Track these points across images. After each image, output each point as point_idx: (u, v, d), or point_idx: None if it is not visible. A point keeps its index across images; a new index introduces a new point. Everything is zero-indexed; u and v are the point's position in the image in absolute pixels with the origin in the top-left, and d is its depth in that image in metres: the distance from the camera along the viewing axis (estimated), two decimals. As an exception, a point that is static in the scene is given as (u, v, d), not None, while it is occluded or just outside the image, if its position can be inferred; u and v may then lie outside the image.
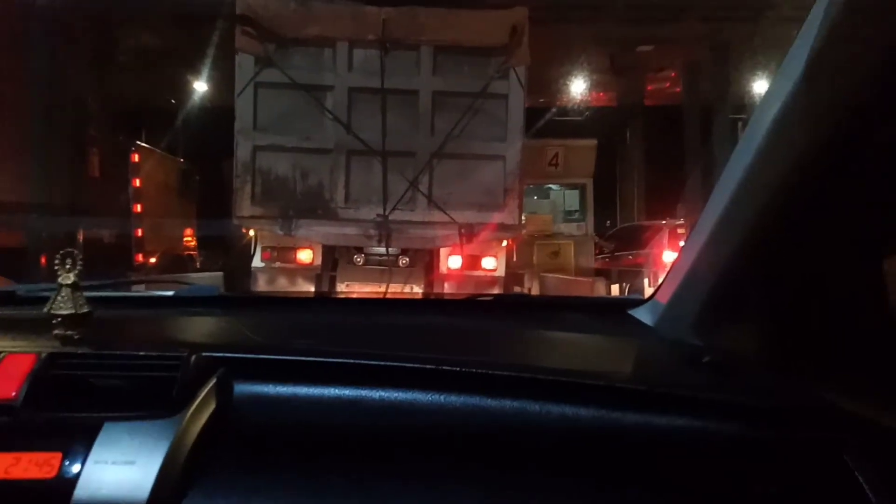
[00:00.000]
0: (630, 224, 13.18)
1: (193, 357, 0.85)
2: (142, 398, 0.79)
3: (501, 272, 6.22)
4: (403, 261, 6.15)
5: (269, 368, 0.89)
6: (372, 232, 5.89)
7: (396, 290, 6.09)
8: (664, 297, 1.16)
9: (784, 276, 0.92)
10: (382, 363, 0.90)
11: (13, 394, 0.77)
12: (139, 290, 2.09)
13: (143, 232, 9.74)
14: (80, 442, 0.73)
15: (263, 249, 6.16)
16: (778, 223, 0.86)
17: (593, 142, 10.18)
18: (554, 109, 12.90)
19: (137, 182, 9.85)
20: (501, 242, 6.24)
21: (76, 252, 0.92)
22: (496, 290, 6.17)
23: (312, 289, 6.21)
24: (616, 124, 14.66)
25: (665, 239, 9.78)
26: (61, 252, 0.92)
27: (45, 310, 0.90)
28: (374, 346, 1.02)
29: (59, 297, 0.90)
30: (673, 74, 13.57)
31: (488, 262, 6.17)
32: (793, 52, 0.75)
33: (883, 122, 0.74)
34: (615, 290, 6.36)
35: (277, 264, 6.18)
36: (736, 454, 0.83)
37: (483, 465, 0.81)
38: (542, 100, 13.63)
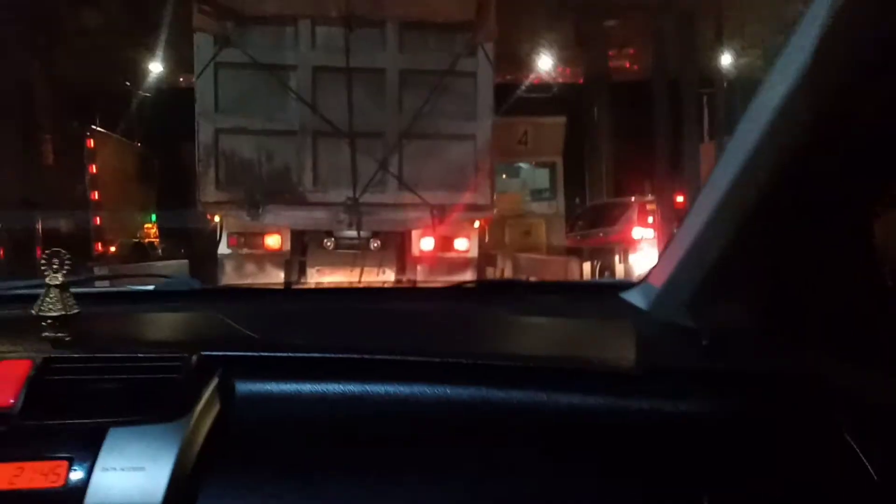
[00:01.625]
0: (599, 202, 13.25)
1: (194, 358, 0.84)
2: (143, 402, 0.78)
3: (474, 253, 6.18)
4: (375, 244, 6.05)
5: (270, 366, 0.88)
6: (342, 215, 5.77)
7: (369, 273, 6.00)
8: (658, 280, 1.16)
9: (780, 252, 0.93)
10: (387, 357, 0.89)
11: (11, 401, 0.76)
12: (116, 285, 2.03)
13: (101, 220, 9.46)
14: (85, 449, 0.72)
15: (230, 235, 6.01)
16: (776, 204, 0.86)
17: (562, 119, 10.16)
18: (522, 86, 12.83)
19: (94, 168, 9.54)
20: (474, 223, 6.20)
21: (63, 252, 0.90)
22: (469, 271, 6.13)
23: (282, 274, 6.08)
24: (584, 101, 14.66)
25: (634, 215, 9.84)
26: (48, 252, 0.90)
27: (34, 311, 0.89)
28: (372, 338, 1.01)
29: (47, 299, 0.89)
30: (636, 50, 13.59)
31: (461, 244, 6.12)
32: (800, 30, 0.75)
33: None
34: (587, 268, 6.39)
35: (245, 250, 6.04)
36: (742, 431, 0.85)
37: (490, 457, 0.82)
38: (509, 76, 13.53)
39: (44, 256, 0.91)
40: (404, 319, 1.26)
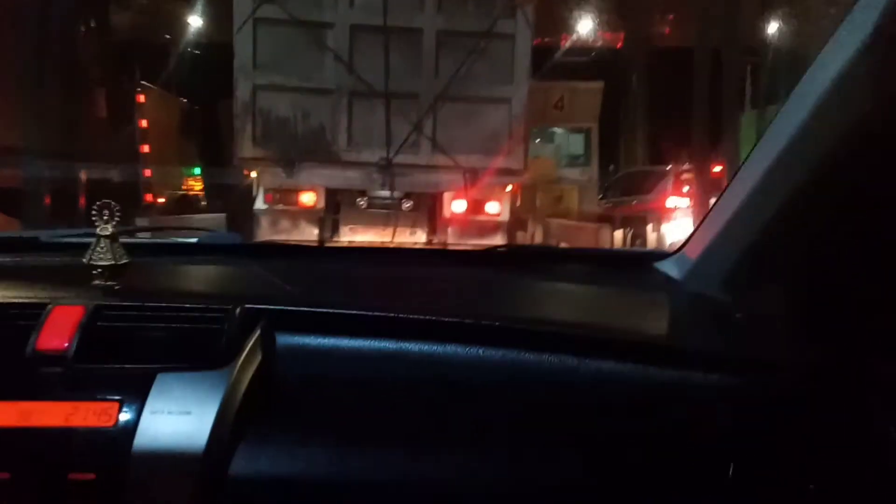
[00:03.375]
0: (634, 169, 13.06)
1: (238, 310, 0.85)
2: (189, 350, 0.80)
3: (505, 217, 6.20)
4: (407, 204, 6.12)
5: (310, 321, 0.90)
6: (375, 175, 5.84)
7: (401, 233, 6.08)
8: (693, 252, 1.13)
9: (826, 238, 0.90)
10: (422, 318, 0.91)
11: (65, 345, 0.78)
12: (160, 237, 2.09)
13: (150, 172, 9.79)
14: (135, 392, 0.74)
15: (266, 191, 6.12)
16: (828, 185, 0.83)
17: (599, 84, 9.99)
18: (560, 50, 12.60)
19: (144, 123, 9.82)
20: (505, 187, 6.21)
21: (113, 203, 0.93)
22: (500, 235, 6.17)
23: (316, 231, 6.19)
24: (622, 67, 14.36)
25: (669, 184, 9.70)
26: (98, 203, 0.92)
27: (85, 260, 0.92)
28: (408, 300, 1.03)
29: (98, 248, 0.92)
30: (677, 16, 13.20)
31: (492, 207, 6.15)
32: (859, 4, 0.72)
33: None
34: (618, 236, 6.36)
35: (280, 206, 6.15)
36: (769, 411, 0.84)
37: (519, 419, 0.83)
38: (546, 39, 13.28)
39: (94, 208, 0.92)
40: (438, 282, 1.26)
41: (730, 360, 0.88)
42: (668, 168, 10.57)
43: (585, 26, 13.10)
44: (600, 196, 10.69)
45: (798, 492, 0.81)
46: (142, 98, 10.02)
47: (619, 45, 14.31)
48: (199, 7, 11.03)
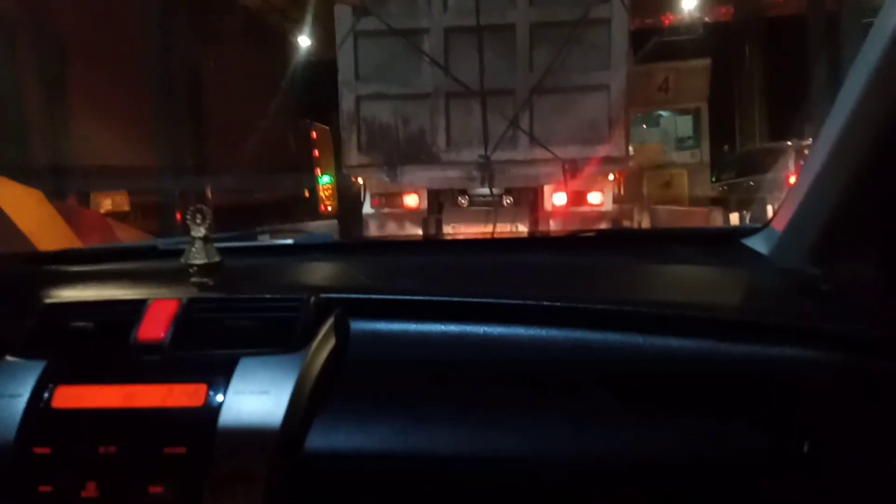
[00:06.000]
0: (752, 147, 12.30)
1: (312, 298, 0.92)
2: (269, 336, 0.87)
3: (609, 207, 6.08)
4: (507, 200, 6.16)
5: (380, 307, 0.95)
6: (475, 173, 5.92)
7: (502, 229, 6.13)
8: (780, 224, 1.09)
9: None
10: (484, 300, 0.94)
11: (161, 335, 0.88)
12: (263, 240, 2.24)
13: (321, 189, 13.34)
14: (221, 375, 0.82)
15: (372, 196, 6.39)
16: None
17: (706, 61, 9.53)
18: (663, 30, 12.11)
19: (316, 152, 13.14)
20: (608, 176, 6.08)
21: (205, 208, 1.01)
22: (603, 225, 6.06)
23: (420, 232, 6.38)
24: (733, 40, 13.54)
25: (791, 161, 9.06)
26: (192, 208, 1.00)
27: (182, 260, 1.01)
28: (480, 285, 1.05)
29: (192, 249, 1.00)
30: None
31: (594, 198, 6.05)
32: None
33: None
34: (734, 219, 5.99)
35: (386, 210, 6.40)
36: (852, 386, 0.81)
37: (585, 399, 0.83)
38: (648, 20, 12.80)
39: (188, 212, 0.99)
40: (518, 268, 1.27)
41: (808, 332, 0.84)
42: (788, 143, 9.87)
43: (689, 3, 12.50)
44: (713, 178, 10.17)
45: (876, 469, 0.77)
46: (314, 134, 13.24)
47: (727, 18, 13.52)
48: (305, 29, 12.09)
